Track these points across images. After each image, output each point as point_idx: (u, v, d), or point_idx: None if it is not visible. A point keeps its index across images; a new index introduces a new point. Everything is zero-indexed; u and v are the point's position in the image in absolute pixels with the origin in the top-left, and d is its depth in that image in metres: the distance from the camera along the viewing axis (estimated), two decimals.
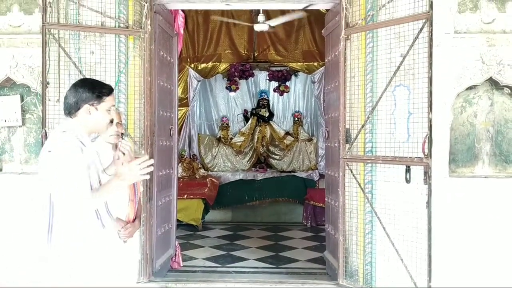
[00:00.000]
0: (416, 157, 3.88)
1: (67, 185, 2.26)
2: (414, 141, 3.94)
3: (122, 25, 4.37)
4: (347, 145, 4.33)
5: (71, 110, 2.45)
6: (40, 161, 2.42)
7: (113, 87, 2.59)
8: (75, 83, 2.55)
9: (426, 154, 3.81)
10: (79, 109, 2.44)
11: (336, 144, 4.55)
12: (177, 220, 5.61)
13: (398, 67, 4.00)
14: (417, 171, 3.89)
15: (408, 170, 3.93)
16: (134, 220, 3.18)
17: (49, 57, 4.17)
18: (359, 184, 4.27)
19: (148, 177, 2.43)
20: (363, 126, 4.25)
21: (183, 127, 8.77)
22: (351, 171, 4.31)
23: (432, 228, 3.81)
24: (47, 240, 2.35)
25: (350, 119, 4.34)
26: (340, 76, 4.35)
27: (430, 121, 3.79)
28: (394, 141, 4.08)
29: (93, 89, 2.48)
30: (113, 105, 2.55)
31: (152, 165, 2.35)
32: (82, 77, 4.03)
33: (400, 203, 4.04)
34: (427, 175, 3.80)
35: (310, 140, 9.20)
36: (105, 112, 2.49)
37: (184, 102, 8.54)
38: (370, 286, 4.24)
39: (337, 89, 4.49)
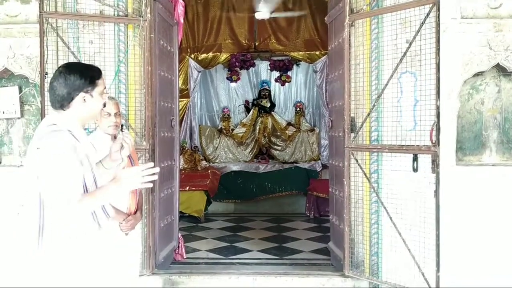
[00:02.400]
0: (423, 146, 3.81)
1: (55, 187, 2.08)
2: (421, 129, 3.87)
3: (121, 13, 4.28)
4: (352, 134, 4.25)
5: (63, 102, 2.21)
6: (27, 158, 2.23)
7: (102, 74, 2.37)
8: (61, 70, 2.26)
9: (434, 142, 3.74)
10: (72, 99, 2.21)
11: (340, 134, 4.47)
12: (180, 212, 5.55)
13: (404, 54, 3.91)
14: (425, 160, 3.82)
15: (415, 158, 3.85)
16: (135, 212, 3.13)
17: (47, 47, 4.09)
18: (365, 174, 4.20)
19: (150, 185, 2.25)
20: (368, 114, 4.17)
21: (184, 118, 8.68)
22: (357, 161, 4.23)
23: (440, 217, 3.74)
24: (37, 244, 2.15)
25: (355, 107, 4.26)
26: (344, 63, 4.26)
27: (437, 108, 3.71)
28: (400, 130, 4.01)
29: (85, 74, 2.25)
30: (105, 87, 2.34)
31: (156, 173, 2.19)
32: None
33: (407, 192, 3.97)
34: (435, 163, 3.72)
35: (312, 130, 9.11)
36: (99, 97, 2.29)
37: (184, 93, 8.45)
38: (377, 277, 4.19)
39: (341, 77, 4.40)
